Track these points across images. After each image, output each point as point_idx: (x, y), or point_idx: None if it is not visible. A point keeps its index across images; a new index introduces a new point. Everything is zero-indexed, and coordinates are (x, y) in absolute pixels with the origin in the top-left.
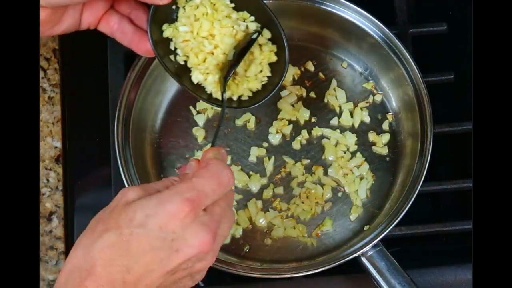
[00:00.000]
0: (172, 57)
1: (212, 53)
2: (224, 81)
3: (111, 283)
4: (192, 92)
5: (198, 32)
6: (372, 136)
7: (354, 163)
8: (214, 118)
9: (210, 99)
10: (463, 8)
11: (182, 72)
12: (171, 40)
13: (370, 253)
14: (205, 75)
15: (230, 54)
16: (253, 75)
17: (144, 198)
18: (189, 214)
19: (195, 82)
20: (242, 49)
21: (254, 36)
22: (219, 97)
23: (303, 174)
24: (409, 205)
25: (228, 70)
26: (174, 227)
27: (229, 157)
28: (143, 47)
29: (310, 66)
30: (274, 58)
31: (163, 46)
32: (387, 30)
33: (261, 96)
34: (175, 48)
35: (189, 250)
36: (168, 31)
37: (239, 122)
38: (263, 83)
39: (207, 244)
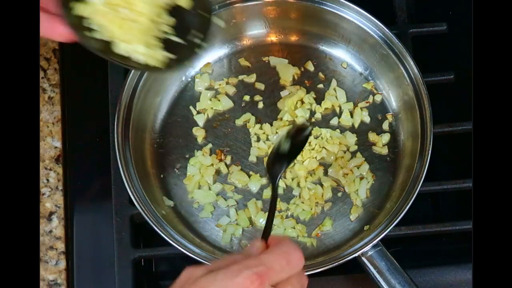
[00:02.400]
0: (92, 34)
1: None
2: (274, 179)
3: None
4: (124, 64)
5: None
6: (372, 136)
7: (354, 163)
8: (214, 118)
9: (147, 67)
10: (463, 8)
11: (107, 49)
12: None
13: (370, 253)
14: (132, 45)
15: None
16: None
17: (213, 273)
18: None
19: (124, 54)
20: (296, 145)
21: (307, 132)
22: (157, 65)
23: (303, 174)
24: (409, 205)
25: (279, 163)
26: None
27: (229, 157)
28: (56, 30)
29: (310, 66)
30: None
31: (79, 26)
32: (387, 30)
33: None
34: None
35: None
36: (80, 8)
37: (239, 122)
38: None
39: None
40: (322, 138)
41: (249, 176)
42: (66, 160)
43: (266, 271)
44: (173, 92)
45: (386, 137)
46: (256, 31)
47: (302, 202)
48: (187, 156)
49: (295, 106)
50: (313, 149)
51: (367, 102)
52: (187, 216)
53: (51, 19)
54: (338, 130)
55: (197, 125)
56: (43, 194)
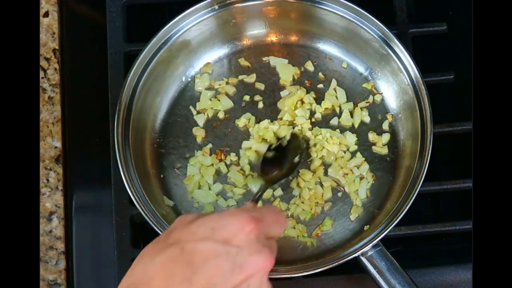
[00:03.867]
0: None
1: None
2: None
3: None
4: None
5: None
6: (372, 136)
7: (354, 163)
8: (214, 118)
9: None
10: (463, 8)
11: None
12: None
13: (370, 253)
14: None
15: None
16: None
17: (208, 215)
18: (253, 230)
19: None
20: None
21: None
22: None
23: (303, 174)
24: (409, 205)
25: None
26: (239, 242)
27: (229, 157)
28: None
29: (310, 66)
30: None
31: None
32: (387, 30)
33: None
34: None
35: (253, 266)
36: None
37: (239, 122)
38: None
39: (270, 263)
40: (322, 138)
41: (249, 176)
42: (66, 160)
43: (261, 218)
44: (173, 92)
45: (386, 137)
46: (256, 31)
47: (302, 202)
48: (187, 156)
49: (295, 106)
50: (314, 145)
51: (367, 102)
52: None
53: None
54: (338, 130)
55: (197, 125)
56: (43, 194)
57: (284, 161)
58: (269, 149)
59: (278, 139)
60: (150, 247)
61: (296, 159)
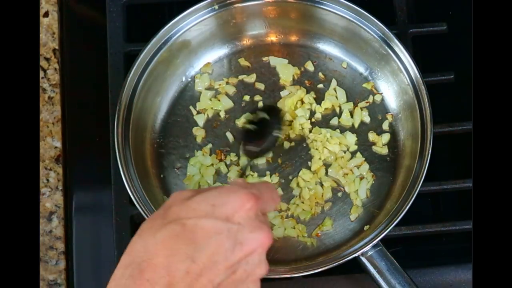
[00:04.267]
0: None
1: None
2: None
3: (172, 273)
4: None
5: None
6: (372, 136)
7: (354, 163)
8: (214, 118)
9: None
10: (463, 8)
11: None
12: None
13: (370, 253)
14: None
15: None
16: None
17: (207, 191)
18: (253, 207)
19: None
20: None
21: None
22: None
23: (303, 174)
24: (409, 205)
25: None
26: (239, 219)
27: (229, 157)
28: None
29: (310, 66)
30: None
31: None
32: (387, 30)
33: None
34: None
35: (253, 243)
36: None
37: (239, 122)
38: None
39: (268, 239)
40: (322, 138)
41: (249, 176)
42: (66, 160)
43: (260, 195)
44: (173, 92)
45: (386, 137)
46: (256, 31)
47: (302, 202)
48: (187, 156)
49: (295, 106)
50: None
51: (367, 102)
52: None
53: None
54: (338, 130)
55: (197, 125)
56: (43, 194)
57: (265, 134)
58: (250, 122)
59: (256, 111)
60: (149, 224)
61: (276, 132)
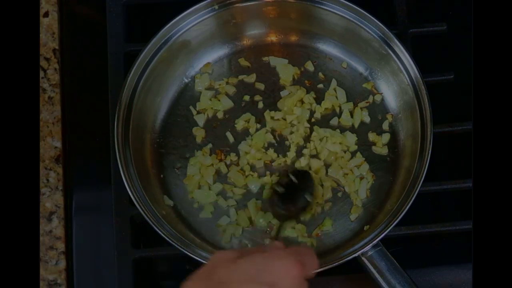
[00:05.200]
0: None
1: None
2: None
3: None
4: None
5: None
6: (372, 136)
7: (354, 163)
8: (214, 118)
9: None
10: (463, 8)
11: None
12: None
13: (370, 253)
14: None
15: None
16: None
17: (251, 254)
18: (299, 276)
19: None
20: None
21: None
22: None
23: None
24: (409, 205)
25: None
26: (285, 286)
27: (229, 157)
28: None
29: (310, 66)
30: None
31: None
32: (387, 30)
33: None
34: None
35: None
36: None
37: (239, 122)
38: None
39: None
40: (322, 138)
41: (249, 176)
42: (66, 160)
43: (305, 263)
44: (173, 92)
45: (386, 137)
46: (256, 31)
47: None
48: (187, 156)
49: (295, 106)
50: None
51: (367, 102)
52: (187, 216)
53: None
54: (338, 130)
55: (197, 125)
56: (43, 194)
57: (296, 198)
58: (279, 184)
59: (287, 174)
60: (193, 285)
61: (308, 197)
